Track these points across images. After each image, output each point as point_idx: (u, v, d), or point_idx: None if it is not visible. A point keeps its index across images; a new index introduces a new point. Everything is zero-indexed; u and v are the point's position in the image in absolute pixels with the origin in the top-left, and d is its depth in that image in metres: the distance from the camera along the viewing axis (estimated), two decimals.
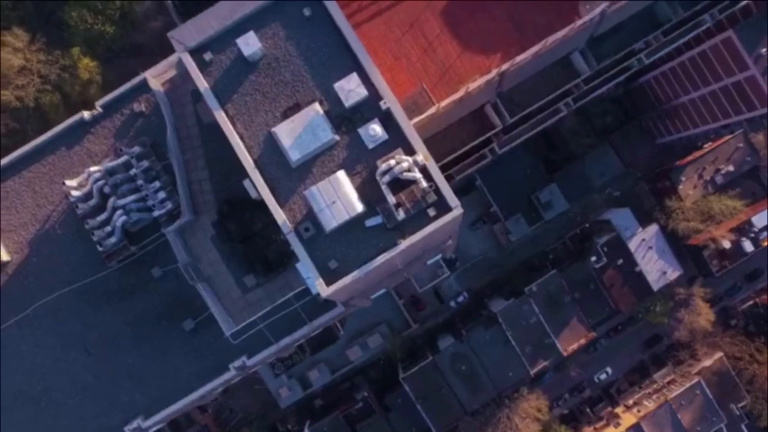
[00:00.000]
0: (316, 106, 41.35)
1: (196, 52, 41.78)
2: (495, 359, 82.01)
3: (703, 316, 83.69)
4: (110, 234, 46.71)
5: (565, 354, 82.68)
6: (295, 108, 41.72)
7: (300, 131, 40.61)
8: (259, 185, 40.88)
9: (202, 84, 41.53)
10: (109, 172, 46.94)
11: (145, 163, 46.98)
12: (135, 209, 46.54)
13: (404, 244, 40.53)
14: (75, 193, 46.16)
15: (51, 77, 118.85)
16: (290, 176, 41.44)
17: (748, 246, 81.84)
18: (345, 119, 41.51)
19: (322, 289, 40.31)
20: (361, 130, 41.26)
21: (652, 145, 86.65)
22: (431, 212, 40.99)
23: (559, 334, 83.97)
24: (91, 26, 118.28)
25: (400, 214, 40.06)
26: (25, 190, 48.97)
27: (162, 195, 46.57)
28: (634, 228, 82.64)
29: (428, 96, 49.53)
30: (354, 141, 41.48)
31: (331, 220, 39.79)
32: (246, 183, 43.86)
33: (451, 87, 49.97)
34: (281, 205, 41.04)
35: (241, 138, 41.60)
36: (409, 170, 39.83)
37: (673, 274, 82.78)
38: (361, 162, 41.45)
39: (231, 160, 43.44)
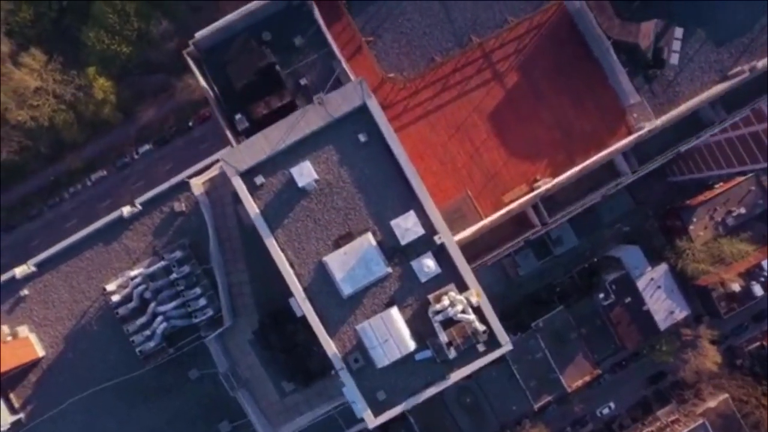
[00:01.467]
0: (369, 236, 39.46)
1: (247, 175, 39.60)
2: (500, 393, 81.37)
3: (709, 358, 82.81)
4: (149, 338, 44.96)
5: (569, 390, 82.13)
6: (348, 237, 39.82)
7: (353, 264, 38.80)
8: (309, 315, 39.18)
9: (253, 208, 39.46)
10: (150, 277, 44.94)
11: (186, 269, 45.06)
12: (176, 316, 44.75)
13: (454, 377, 39.15)
14: (115, 298, 44.24)
15: (66, 97, 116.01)
16: (341, 307, 39.73)
17: (757, 290, 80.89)
18: (398, 251, 39.70)
19: (369, 420, 38.99)
20: (414, 263, 39.53)
21: (663, 183, 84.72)
22: (481, 348, 39.58)
23: (564, 370, 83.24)
24: (108, 47, 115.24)
25: (452, 353, 38.56)
26: (62, 285, 46.97)
27: (203, 302, 44.79)
28: (644, 267, 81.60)
29: (473, 204, 47.66)
30: (406, 273, 39.76)
31: (383, 358, 38.26)
32: (292, 301, 42.02)
33: (495, 195, 48.05)
34: (331, 335, 39.35)
35: (292, 266, 39.70)
36: (463, 311, 38.21)
37: (681, 314, 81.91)
38: (412, 295, 39.81)
39: (271, 263, 41.68)
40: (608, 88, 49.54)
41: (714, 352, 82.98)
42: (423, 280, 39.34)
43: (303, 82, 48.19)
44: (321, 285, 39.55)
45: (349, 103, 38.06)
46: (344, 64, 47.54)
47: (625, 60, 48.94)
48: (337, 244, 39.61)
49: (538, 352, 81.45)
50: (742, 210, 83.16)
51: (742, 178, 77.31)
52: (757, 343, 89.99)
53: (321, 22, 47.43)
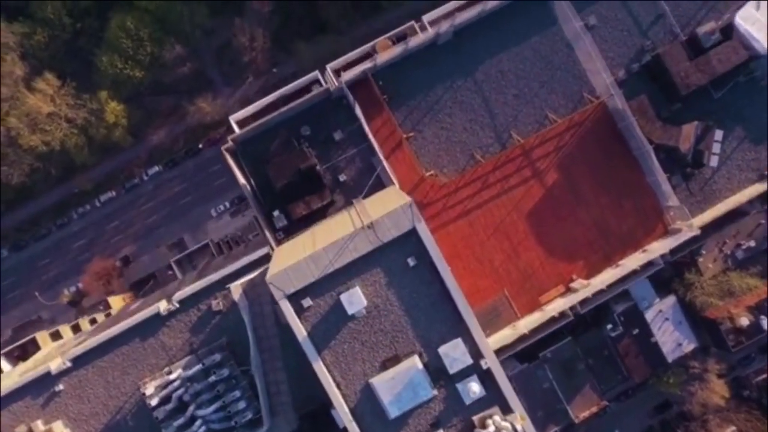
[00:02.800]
0: (416, 359, 38.82)
1: (294, 297, 38.77)
2: None
3: (717, 392, 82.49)
4: None
5: (576, 421, 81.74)
6: (394, 359, 39.15)
7: (400, 387, 38.22)
8: None
9: (300, 331, 38.67)
10: (188, 380, 44.16)
11: (225, 371, 44.27)
12: (215, 420, 44.02)
13: None
14: (153, 401, 43.45)
15: (78, 121, 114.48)
16: (386, 427, 39.21)
17: (766, 324, 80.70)
18: (444, 373, 39.09)
19: None
20: (459, 386, 38.96)
21: None
22: None
23: (571, 401, 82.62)
24: (121, 71, 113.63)
25: None
26: (97, 380, 46.10)
27: (242, 404, 44.09)
28: (652, 298, 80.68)
29: (509, 304, 47.07)
30: (451, 395, 39.19)
31: None
32: (334, 413, 41.41)
33: (532, 294, 47.49)
34: None
35: (338, 386, 39.03)
36: None
37: (689, 346, 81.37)
38: (457, 416, 39.33)
39: (308, 363, 41.02)
40: (646, 187, 48.86)
41: (722, 386, 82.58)
42: (468, 402, 38.83)
43: (342, 178, 47.30)
44: (367, 406, 38.97)
45: (398, 228, 37.24)
46: (384, 163, 46.68)
47: (663, 158, 48.18)
48: (384, 366, 38.98)
49: (545, 382, 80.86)
50: (752, 243, 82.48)
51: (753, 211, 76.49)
52: (765, 375, 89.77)
53: (361, 117, 46.49)
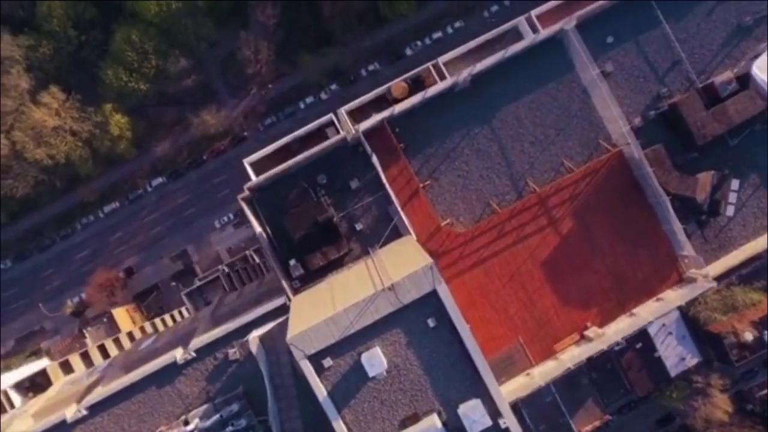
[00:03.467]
0: (435, 418, 38.72)
1: (314, 357, 38.59)
2: None
3: (720, 407, 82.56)
4: None
5: None
6: (414, 418, 39.04)
7: None
8: None
9: (320, 390, 38.50)
10: (206, 430, 43.99)
11: (242, 422, 44.18)
12: None
13: None
14: None
15: (82, 134, 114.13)
16: None
17: None
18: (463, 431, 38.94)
19: None
20: None
21: None
22: None
23: (574, 415, 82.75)
24: (126, 84, 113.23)
25: None
26: (113, 428, 45.89)
27: None
28: None
29: (524, 352, 46.97)
30: None
31: None
32: None
33: (546, 342, 47.47)
34: None
35: None
36: None
37: (692, 360, 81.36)
38: None
39: (324, 414, 40.90)
40: (661, 234, 48.74)
41: (725, 401, 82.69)
42: None
43: (359, 227, 47.06)
44: None
45: (419, 290, 37.06)
46: (400, 212, 46.46)
47: (678, 205, 48.00)
48: (403, 425, 38.89)
49: (548, 396, 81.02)
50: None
51: None
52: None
53: (378, 166, 46.21)
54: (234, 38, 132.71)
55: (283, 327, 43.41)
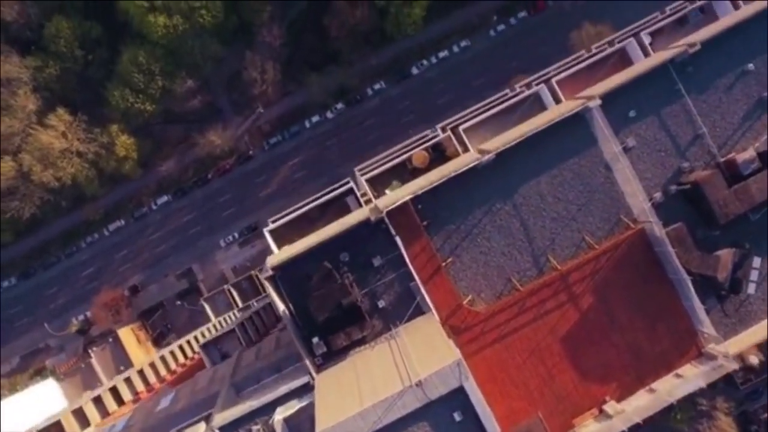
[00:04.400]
0: None
1: None
2: None
3: (725, 430, 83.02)
4: None
5: None
6: None
7: None
8: None
9: None
10: None
11: None
12: None
13: None
14: None
15: (88, 155, 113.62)
16: None
17: None
18: None
19: None
20: None
21: None
22: None
23: None
24: (132, 105, 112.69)
25: None
26: None
27: None
28: None
29: (543, 427, 46.97)
30: None
31: None
32: None
33: (565, 416, 47.41)
34: None
35: None
36: None
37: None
38: None
39: None
40: (681, 309, 48.63)
41: (729, 424, 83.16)
42: None
43: (381, 304, 46.87)
44: None
45: (446, 386, 36.98)
46: (422, 289, 46.32)
47: (699, 282, 47.86)
48: None
49: None
50: None
51: None
52: None
53: (401, 245, 45.98)
54: (239, 56, 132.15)
55: (307, 409, 43.44)
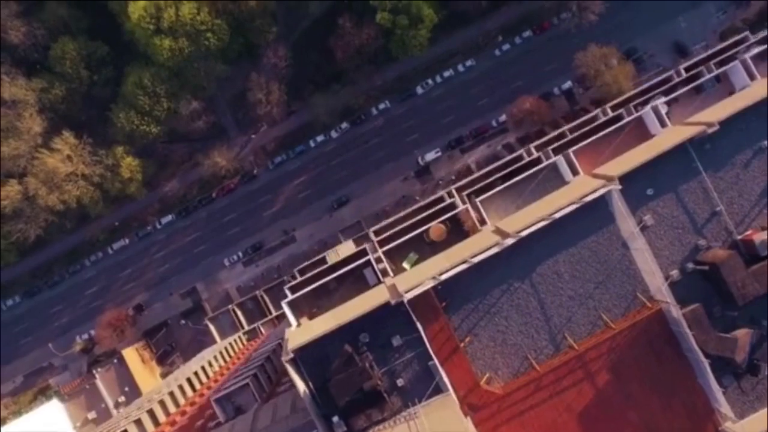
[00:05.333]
0: None
1: None
2: None
3: None
4: None
5: None
6: None
7: None
8: None
9: None
10: None
11: None
12: None
13: None
14: None
15: (93, 178, 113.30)
16: None
17: None
18: None
19: None
20: None
21: None
22: None
23: None
24: (137, 127, 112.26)
25: None
26: None
27: None
28: None
29: None
30: None
31: None
32: None
33: None
34: None
35: None
36: None
37: None
38: None
39: None
40: (696, 386, 48.83)
41: None
42: None
43: (400, 382, 46.98)
44: None
45: None
46: (440, 368, 46.45)
47: (716, 361, 48.06)
48: None
49: None
50: None
51: None
52: None
53: (420, 327, 46.10)
54: (244, 75, 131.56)
55: None
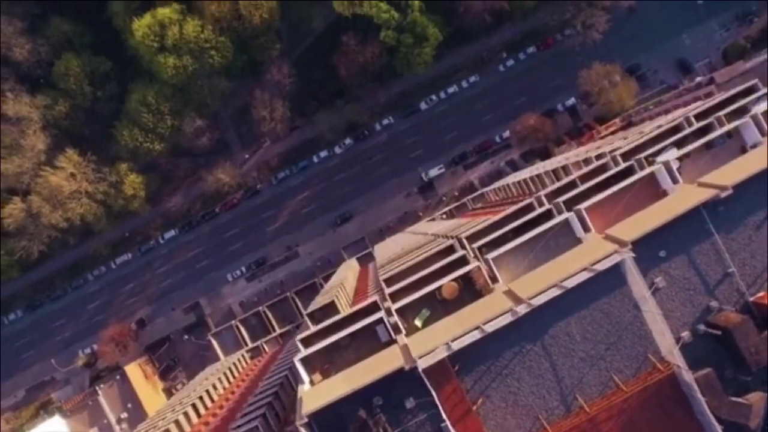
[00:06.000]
0: None
1: None
2: None
3: None
4: None
5: None
6: None
7: None
8: None
9: None
10: None
11: None
12: None
13: None
14: None
15: (97, 195, 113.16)
16: None
17: None
18: None
19: None
20: None
21: None
22: None
23: None
24: (141, 144, 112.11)
25: None
26: None
27: None
28: None
29: None
30: None
31: None
32: None
33: None
34: None
35: None
36: None
37: None
38: None
39: None
40: None
41: None
42: None
43: None
44: None
45: None
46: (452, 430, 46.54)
47: (729, 425, 48.14)
48: None
49: None
50: None
51: None
52: None
53: (434, 392, 46.15)
54: (248, 89, 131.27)
55: None
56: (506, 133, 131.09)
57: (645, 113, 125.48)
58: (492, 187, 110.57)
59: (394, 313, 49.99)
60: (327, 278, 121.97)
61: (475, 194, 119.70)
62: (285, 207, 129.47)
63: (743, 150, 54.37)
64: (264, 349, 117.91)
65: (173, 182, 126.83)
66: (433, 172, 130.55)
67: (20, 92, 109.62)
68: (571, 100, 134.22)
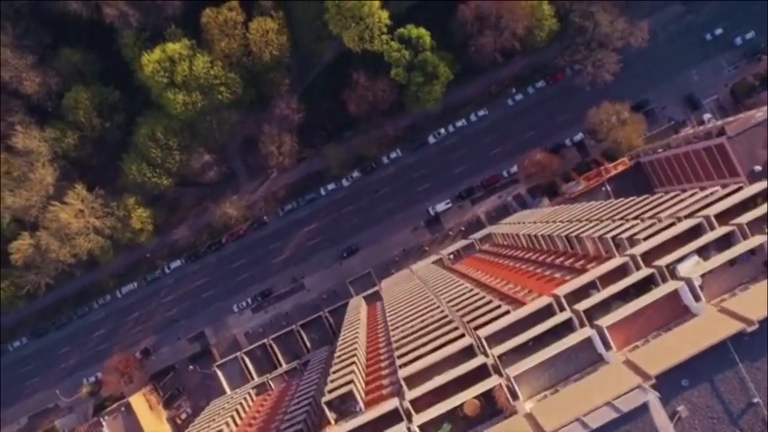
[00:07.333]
0: None
1: None
2: None
3: None
4: None
5: None
6: None
7: None
8: None
9: None
10: None
11: None
12: None
13: None
14: None
15: (105, 231, 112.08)
16: None
17: None
18: None
19: None
20: None
21: None
22: None
23: None
24: (149, 179, 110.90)
25: None
26: None
27: None
28: None
29: None
30: None
31: None
32: None
33: None
34: None
35: None
36: None
37: None
38: None
39: None
40: None
41: None
42: None
43: None
44: None
45: None
46: None
47: None
48: None
49: None
50: None
51: None
52: None
53: None
54: (255, 121, 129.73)
55: None
56: (514, 168, 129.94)
57: (653, 155, 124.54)
58: (500, 230, 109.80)
59: (417, 429, 49.29)
60: (333, 312, 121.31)
61: (482, 233, 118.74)
62: (291, 239, 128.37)
63: (766, 265, 53.51)
64: (270, 386, 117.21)
65: (179, 212, 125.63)
66: (440, 206, 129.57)
67: (30, 125, 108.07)
68: (579, 135, 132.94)
